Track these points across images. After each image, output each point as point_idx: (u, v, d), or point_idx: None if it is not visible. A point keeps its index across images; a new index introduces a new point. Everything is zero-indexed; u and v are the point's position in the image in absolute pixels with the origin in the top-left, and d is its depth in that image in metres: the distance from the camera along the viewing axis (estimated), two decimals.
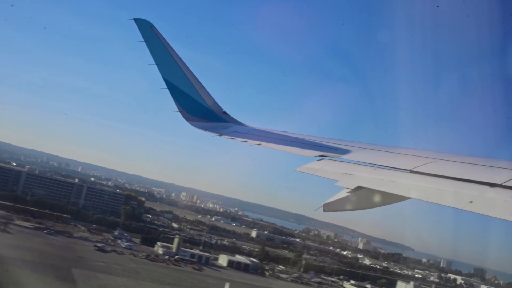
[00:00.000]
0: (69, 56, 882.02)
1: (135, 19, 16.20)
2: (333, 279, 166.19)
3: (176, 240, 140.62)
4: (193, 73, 16.86)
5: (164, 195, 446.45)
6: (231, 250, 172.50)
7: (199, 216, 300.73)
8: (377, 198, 9.45)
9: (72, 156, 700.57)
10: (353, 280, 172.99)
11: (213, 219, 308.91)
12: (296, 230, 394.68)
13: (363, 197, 9.46)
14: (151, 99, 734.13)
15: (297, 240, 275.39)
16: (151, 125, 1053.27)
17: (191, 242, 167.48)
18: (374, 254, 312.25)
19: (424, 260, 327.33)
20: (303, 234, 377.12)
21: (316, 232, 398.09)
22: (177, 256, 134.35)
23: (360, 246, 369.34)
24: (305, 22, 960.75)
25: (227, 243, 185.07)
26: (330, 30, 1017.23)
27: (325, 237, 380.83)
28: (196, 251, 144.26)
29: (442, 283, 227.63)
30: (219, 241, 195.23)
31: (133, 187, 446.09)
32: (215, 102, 17.40)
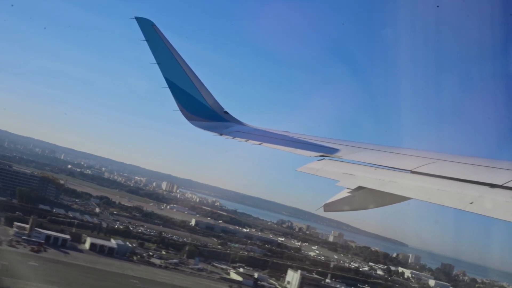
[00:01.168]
0: (71, 47, 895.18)
1: (137, 18, 15.73)
2: (223, 267, 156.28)
3: (30, 221, 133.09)
4: (194, 72, 16.61)
5: (141, 184, 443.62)
6: (122, 234, 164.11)
7: (151, 204, 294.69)
8: (377, 199, 9.35)
9: (70, 145, 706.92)
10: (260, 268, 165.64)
11: (168, 207, 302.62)
12: (269, 221, 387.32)
13: (363, 198, 9.31)
14: (154, 95, 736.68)
15: (245, 230, 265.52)
16: (155, 119, 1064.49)
17: (79, 226, 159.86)
18: (333, 247, 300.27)
19: (394, 254, 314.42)
20: (275, 225, 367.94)
21: (289, 224, 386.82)
22: (23, 237, 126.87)
23: (330, 239, 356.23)
24: (307, 21, 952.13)
25: (123, 228, 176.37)
26: (332, 30, 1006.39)
27: (297, 229, 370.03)
28: (55, 234, 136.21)
29: (386, 276, 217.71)
30: (126, 226, 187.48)
31: (111, 176, 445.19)
32: (216, 101, 17.27)
